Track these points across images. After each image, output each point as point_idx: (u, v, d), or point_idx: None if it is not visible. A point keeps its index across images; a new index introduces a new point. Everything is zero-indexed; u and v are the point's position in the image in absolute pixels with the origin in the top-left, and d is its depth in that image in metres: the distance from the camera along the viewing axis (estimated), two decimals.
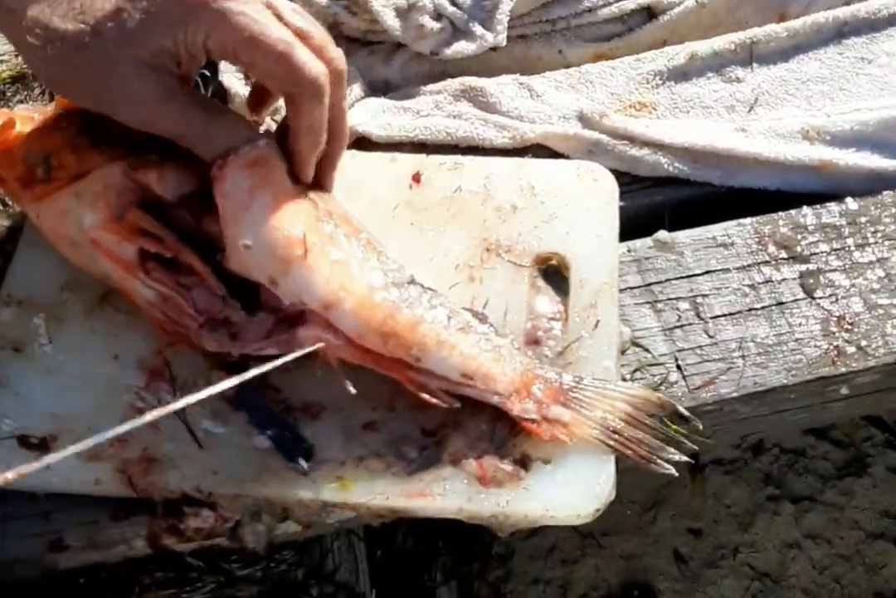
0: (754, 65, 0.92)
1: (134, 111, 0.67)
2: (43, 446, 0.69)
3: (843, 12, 0.93)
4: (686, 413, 0.70)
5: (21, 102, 0.93)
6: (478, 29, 0.93)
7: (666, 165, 0.87)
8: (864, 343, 0.77)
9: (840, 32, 0.93)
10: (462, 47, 0.93)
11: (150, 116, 0.67)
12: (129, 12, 0.63)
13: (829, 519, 1.37)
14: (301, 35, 0.66)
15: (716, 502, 1.38)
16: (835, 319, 0.78)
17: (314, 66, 0.66)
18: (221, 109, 0.71)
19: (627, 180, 0.86)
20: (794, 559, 1.35)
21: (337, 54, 0.68)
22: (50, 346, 0.74)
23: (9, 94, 0.93)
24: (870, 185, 0.85)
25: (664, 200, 0.87)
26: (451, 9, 0.93)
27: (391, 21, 0.92)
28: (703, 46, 0.93)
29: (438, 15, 0.94)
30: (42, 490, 0.70)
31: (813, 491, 1.39)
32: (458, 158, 0.84)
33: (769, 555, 1.35)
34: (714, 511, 1.38)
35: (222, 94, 0.92)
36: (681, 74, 0.92)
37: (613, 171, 0.82)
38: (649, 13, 0.98)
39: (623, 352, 0.76)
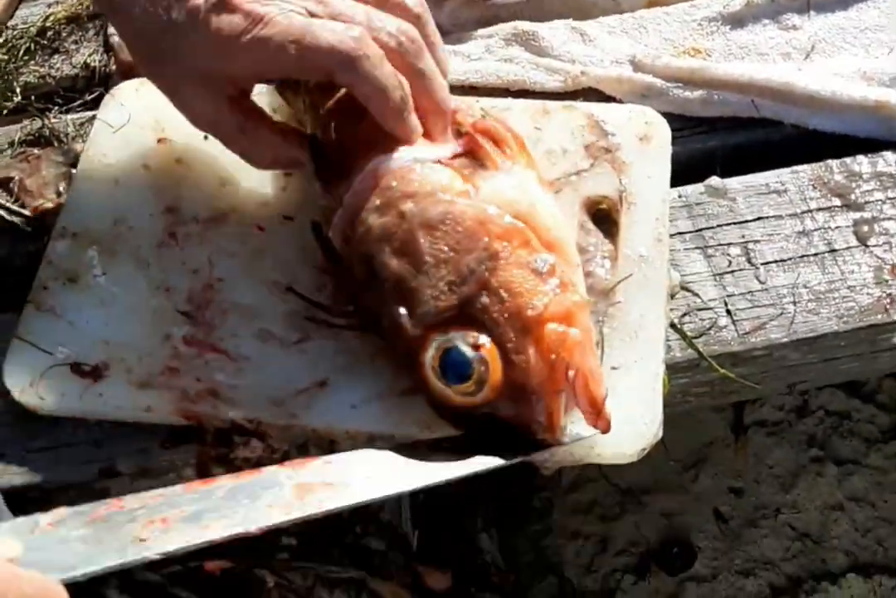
0: (811, 12, 0.91)
1: (190, 112, 0.72)
2: (95, 373, 0.70)
3: None
4: None
5: (76, 42, 0.93)
6: None
7: (719, 105, 0.86)
8: None
9: None
10: None
11: (204, 121, 0.73)
12: (178, 37, 0.67)
13: (873, 482, 1.36)
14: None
15: (758, 462, 1.38)
16: (888, 267, 0.77)
17: (330, 41, 0.65)
18: (269, 125, 0.74)
19: (680, 125, 0.85)
20: (836, 521, 1.34)
21: (398, 40, 0.67)
22: (103, 277, 0.75)
23: (63, 34, 0.94)
24: None
25: (717, 145, 0.86)
26: None
27: None
28: None
29: None
30: (94, 417, 0.71)
31: (857, 454, 1.38)
32: (509, 100, 0.83)
33: (811, 516, 1.34)
34: (756, 472, 1.37)
35: None
36: (736, 21, 0.91)
37: (666, 114, 0.81)
38: None
39: (672, 296, 0.76)
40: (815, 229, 0.79)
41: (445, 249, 0.64)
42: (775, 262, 0.78)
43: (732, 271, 0.77)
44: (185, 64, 0.68)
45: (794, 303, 0.76)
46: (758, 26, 0.91)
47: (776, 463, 1.38)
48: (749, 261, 0.78)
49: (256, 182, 0.79)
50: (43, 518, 0.52)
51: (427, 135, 0.70)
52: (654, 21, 0.92)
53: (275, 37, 0.64)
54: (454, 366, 0.61)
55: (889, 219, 0.79)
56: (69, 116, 0.89)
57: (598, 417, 0.61)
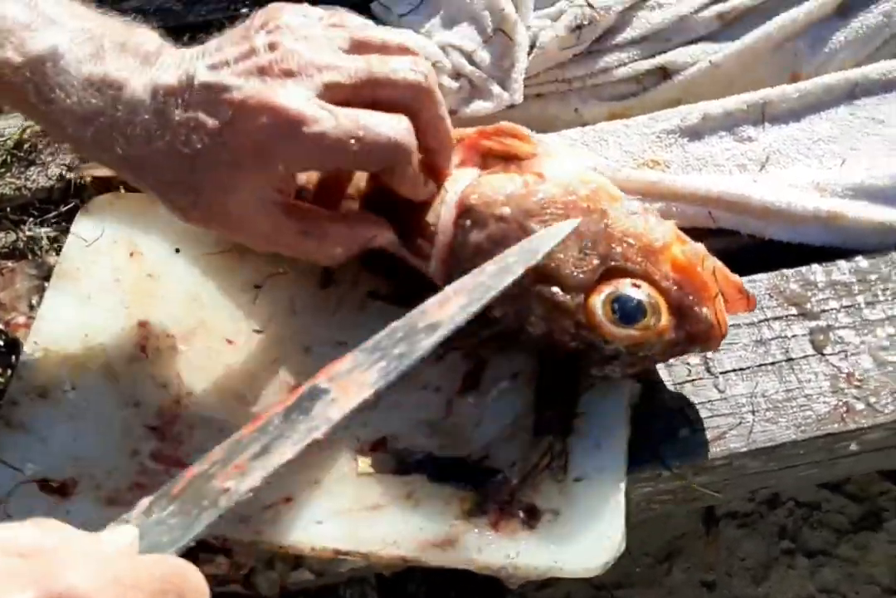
0: (766, 124, 0.94)
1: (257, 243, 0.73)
2: (63, 490, 0.71)
3: (854, 73, 0.95)
4: None
5: (51, 154, 0.95)
6: (495, 88, 0.95)
7: (678, 216, 0.88)
8: (872, 400, 0.77)
9: (852, 93, 0.95)
10: (480, 106, 0.96)
11: (271, 246, 0.72)
12: (210, 166, 0.66)
13: (845, 574, 1.37)
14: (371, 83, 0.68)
15: (730, 555, 1.38)
16: (844, 375, 0.79)
17: (390, 136, 0.67)
18: (329, 218, 0.73)
19: None
20: None
21: (411, 69, 0.69)
22: (73, 392, 0.76)
23: (40, 146, 0.96)
24: (881, 238, 0.86)
25: None
26: (469, 68, 0.96)
27: None
28: (715, 106, 0.94)
29: (457, 74, 0.96)
30: None
31: (828, 545, 1.39)
32: None
33: None
34: (728, 564, 1.37)
35: None
36: (693, 133, 0.94)
37: None
38: (663, 73, 1.01)
39: (633, 406, 0.77)
40: (773, 338, 0.81)
41: None
42: (734, 371, 0.79)
43: (692, 380, 0.79)
44: (227, 190, 0.67)
45: (753, 412, 0.77)
46: (714, 138, 0.94)
47: (747, 555, 1.38)
48: (708, 370, 0.79)
49: (226, 296, 0.81)
50: (130, 514, 0.53)
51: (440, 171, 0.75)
52: (615, 133, 0.94)
53: (329, 133, 0.65)
54: (630, 309, 0.68)
55: (844, 327, 0.81)
56: (43, 229, 0.91)
57: (747, 299, 0.72)
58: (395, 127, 0.67)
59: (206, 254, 0.83)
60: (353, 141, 0.65)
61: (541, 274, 0.69)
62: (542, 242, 0.69)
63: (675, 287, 0.69)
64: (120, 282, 0.82)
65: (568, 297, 0.69)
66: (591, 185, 0.73)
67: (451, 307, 0.66)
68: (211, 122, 0.65)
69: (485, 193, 0.73)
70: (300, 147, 0.65)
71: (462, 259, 0.72)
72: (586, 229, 0.70)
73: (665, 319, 0.69)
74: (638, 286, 0.69)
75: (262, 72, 0.65)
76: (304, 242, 0.70)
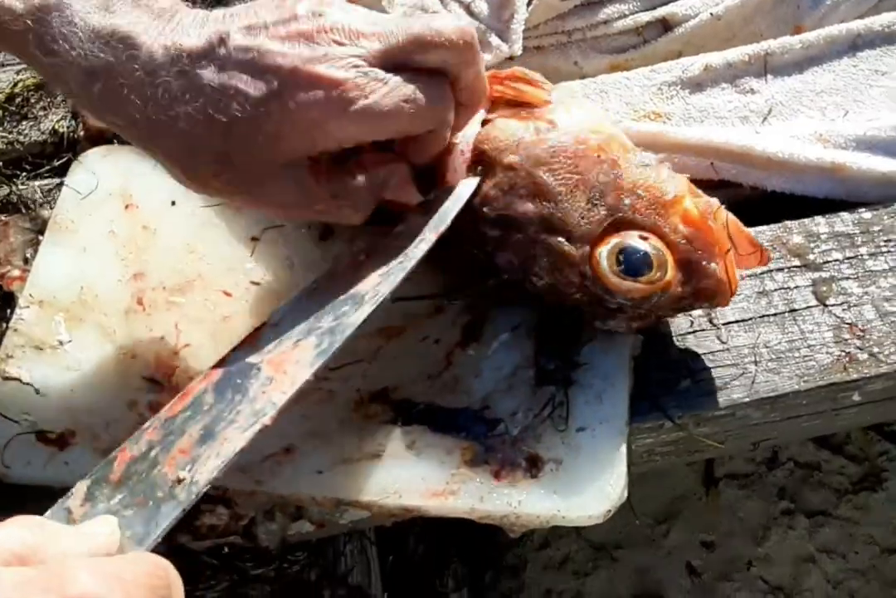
0: (768, 76, 0.93)
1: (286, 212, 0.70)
2: (60, 441, 0.70)
3: (856, 25, 0.94)
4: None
5: (44, 108, 0.94)
6: (494, 39, 0.94)
7: (679, 168, 0.86)
8: (875, 350, 0.77)
9: (854, 44, 0.94)
10: None
11: (300, 213, 0.70)
12: (250, 133, 0.62)
13: (844, 534, 1.37)
14: (412, 42, 0.64)
15: (730, 515, 1.38)
16: (847, 326, 0.78)
17: (437, 113, 0.66)
18: (351, 172, 0.69)
19: None
20: (807, 574, 1.34)
21: (451, 28, 0.65)
22: (69, 344, 0.75)
23: (32, 100, 0.95)
24: (883, 190, 0.85)
25: None
26: (468, 19, 0.95)
27: None
28: (717, 58, 0.93)
29: None
30: (60, 485, 0.71)
31: (827, 505, 1.39)
32: None
33: (783, 569, 1.34)
34: (728, 525, 1.38)
35: None
36: (695, 85, 0.93)
37: None
38: (664, 25, 0.99)
39: (635, 357, 0.76)
40: (775, 289, 0.80)
41: (569, 175, 0.69)
42: (736, 322, 0.79)
43: (695, 332, 0.78)
44: (262, 160, 0.63)
45: (756, 363, 0.77)
46: (716, 90, 0.93)
47: (747, 516, 1.38)
48: (710, 321, 0.79)
49: (223, 248, 0.80)
50: (70, 502, 0.53)
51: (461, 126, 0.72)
52: (615, 85, 0.93)
53: (384, 106, 0.62)
54: (635, 261, 0.67)
55: (847, 279, 0.81)
56: (37, 183, 0.90)
57: (760, 253, 0.71)
58: (444, 92, 0.66)
59: (203, 206, 0.82)
60: (405, 110, 0.63)
61: (547, 224, 0.69)
62: (448, 205, 0.69)
63: (683, 241, 0.68)
64: (115, 234, 0.82)
65: (573, 247, 0.68)
66: (602, 135, 0.72)
67: (371, 277, 0.66)
68: (254, 89, 0.60)
69: (495, 139, 0.72)
70: (355, 123, 0.62)
71: (472, 211, 0.71)
72: (595, 179, 0.69)
73: (671, 273, 0.68)
74: (645, 238, 0.68)
75: (307, 38, 0.61)
76: (335, 204, 0.68)
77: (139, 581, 0.44)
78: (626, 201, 0.69)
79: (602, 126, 0.74)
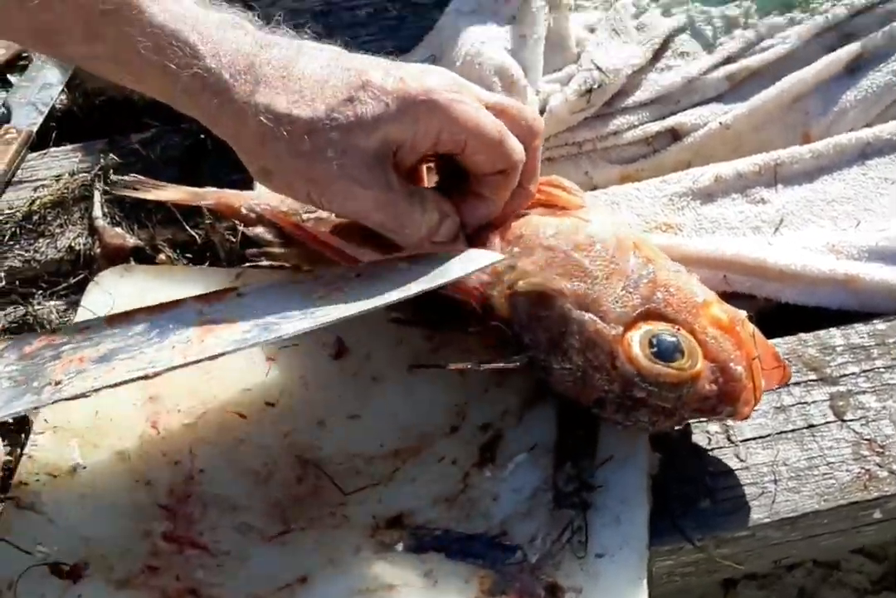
0: (779, 186, 0.94)
1: (350, 201, 0.70)
2: (74, 573, 0.70)
3: (865, 134, 0.95)
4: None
5: (61, 226, 0.95)
6: None
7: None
8: (895, 467, 0.76)
9: (863, 153, 0.95)
10: None
11: (366, 206, 0.70)
12: (361, 101, 0.67)
13: None
14: (498, 109, 0.73)
15: None
16: (865, 442, 0.78)
17: (519, 149, 0.72)
18: (429, 199, 0.73)
19: None
20: None
21: (532, 116, 0.76)
22: (84, 470, 0.75)
23: (49, 218, 0.96)
24: None
25: None
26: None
27: None
28: (727, 168, 0.94)
29: None
30: None
31: None
32: None
33: None
34: None
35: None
36: (706, 196, 0.94)
37: None
38: (673, 135, 1.01)
39: (653, 477, 0.76)
40: (793, 404, 0.80)
41: (606, 262, 0.72)
42: (754, 439, 0.78)
43: (712, 449, 0.78)
44: (351, 153, 0.68)
45: (775, 481, 0.76)
46: (727, 200, 0.93)
47: None
48: (729, 438, 0.78)
49: (239, 368, 0.80)
50: None
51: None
52: (626, 197, 0.94)
53: (483, 116, 0.70)
54: (668, 346, 0.68)
55: (864, 392, 0.80)
56: (52, 302, 0.90)
57: (783, 369, 0.72)
58: (521, 148, 0.73)
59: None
60: (496, 133, 0.71)
61: (581, 301, 0.70)
62: (455, 265, 0.70)
63: (712, 340, 0.69)
64: None
65: (608, 326, 0.69)
66: (636, 236, 0.76)
67: (335, 298, 0.69)
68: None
69: (535, 225, 0.75)
70: (455, 124, 0.69)
71: (507, 285, 0.73)
72: (631, 270, 0.71)
73: (701, 365, 0.68)
74: (677, 330, 0.69)
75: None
76: (410, 205, 0.70)
77: None
78: (659, 295, 0.71)
79: (633, 231, 0.78)
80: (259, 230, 0.86)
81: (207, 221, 0.93)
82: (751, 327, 0.72)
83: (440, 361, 0.78)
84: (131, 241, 0.93)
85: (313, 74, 0.69)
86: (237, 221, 0.88)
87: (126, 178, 0.94)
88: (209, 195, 0.90)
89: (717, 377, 0.68)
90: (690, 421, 0.77)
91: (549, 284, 0.71)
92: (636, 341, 0.68)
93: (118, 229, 0.94)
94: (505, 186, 0.74)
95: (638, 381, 0.68)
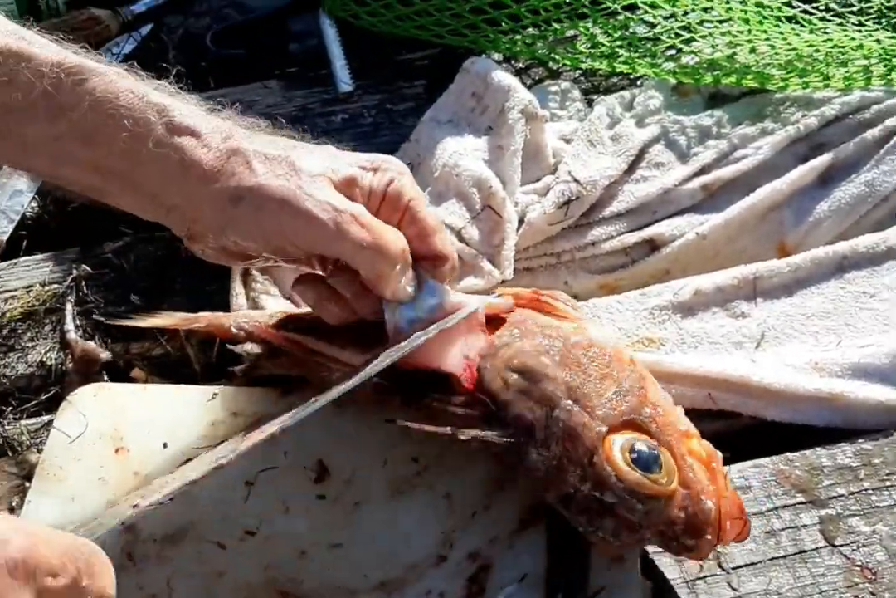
0: (758, 299, 0.94)
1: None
2: None
3: (841, 247, 0.96)
4: None
5: (31, 339, 0.93)
6: (486, 264, 0.95)
7: (677, 398, 0.86)
8: (888, 596, 0.75)
9: (840, 266, 0.95)
10: (471, 283, 0.95)
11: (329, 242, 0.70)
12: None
13: None
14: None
15: None
16: (857, 568, 0.76)
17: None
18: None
19: None
20: None
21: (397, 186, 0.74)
22: None
23: (20, 330, 0.94)
24: (880, 418, 0.85)
25: None
26: (459, 245, 0.95)
27: None
28: (706, 281, 0.94)
29: None
30: None
31: None
32: None
33: None
34: None
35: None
36: (686, 310, 0.93)
37: None
38: (651, 245, 1.01)
39: None
40: (783, 529, 0.79)
41: (601, 366, 0.72)
42: (746, 566, 0.77)
43: (704, 577, 0.76)
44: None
45: None
46: (707, 314, 0.93)
47: None
48: (720, 566, 0.77)
49: (217, 493, 0.78)
50: None
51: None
52: (607, 310, 0.94)
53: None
54: (648, 456, 0.67)
55: (854, 516, 0.79)
56: (24, 422, 0.88)
57: (745, 523, 0.68)
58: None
59: (195, 448, 0.80)
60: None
61: (572, 392, 0.69)
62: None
63: (689, 468, 0.68)
64: (105, 481, 0.79)
65: (594, 421, 0.68)
66: (632, 354, 0.75)
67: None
68: None
69: (537, 318, 0.76)
70: None
71: (503, 359, 0.72)
72: (624, 379, 0.71)
73: (675, 485, 0.67)
74: (658, 446, 0.68)
75: None
76: (360, 233, 0.69)
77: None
78: (647, 410, 0.70)
79: (627, 349, 0.77)
80: (248, 346, 0.85)
81: (182, 335, 0.91)
82: (725, 469, 0.71)
83: (426, 482, 0.77)
84: (104, 355, 0.91)
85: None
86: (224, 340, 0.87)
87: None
88: (201, 319, 0.89)
89: (688, 505, 0.67)
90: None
91: (543, 368, 0.71)
92: (618, 444, 0.67)
93: (91, 343, 0.91)
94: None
95: (612, 482, 0.67)
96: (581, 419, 0.68)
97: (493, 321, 0.77)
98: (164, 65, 1.14)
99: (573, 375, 0.70)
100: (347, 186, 0.72)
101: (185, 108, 0.70)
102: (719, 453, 0.71)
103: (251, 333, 0.84)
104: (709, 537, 0.67)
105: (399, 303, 0.74)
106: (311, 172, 0.70)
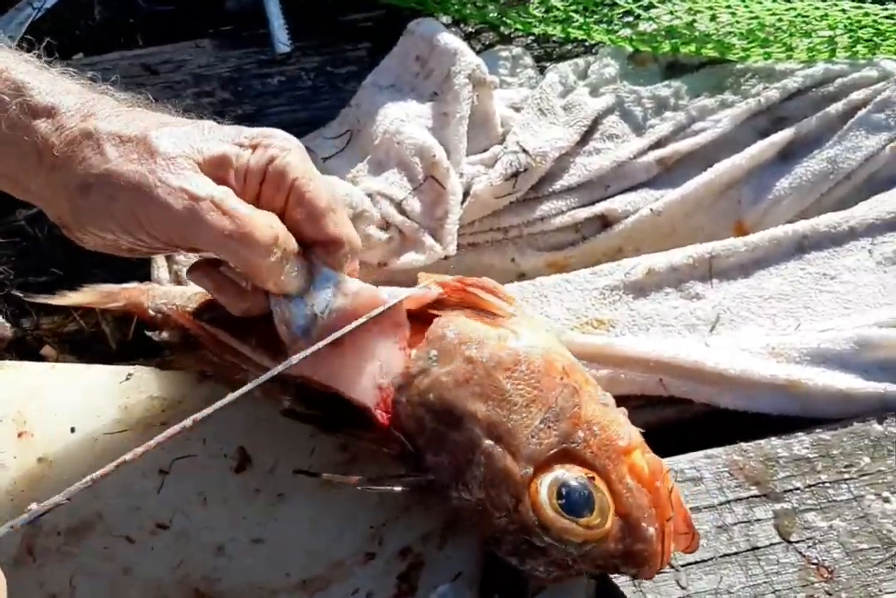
0: (714, 280, 0.89)
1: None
2: None
3: (802, 226, 0.91)
4: None
5: None
6: (427, 239, 0.89)
7: (627, 384, 0.82)
8: (844, 595, 0.71)
9: (800, 246, 0.90)
10: (411, 258, 0.89)
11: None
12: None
13: None
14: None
15: None
16: (813, 566, 0.72)
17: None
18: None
19: None
20: None
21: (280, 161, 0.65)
22: None
23: None
24: (840, 407, 0.81)
25: None
26: (399, 218, 0.89)
27: None
28: (660, 261, 0.89)
29: (386, 224, 0.90)
30: None
31: None
32: None
33: None
34: None
35: None
36: (638, 290, 0.88)
37: None
38: (603, 222, 0.95)
39: None
40: (735, 523, 0.74)
41: (529, 388, 0.64)
42: (696, 563, 0.72)
43: None
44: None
45: None
46: (660, 295, 0.88)
47: None
48: (668, 563, 0.72)
49: (128, 483, 0.72)
50: None
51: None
52: (556, 289, 0.88)
53: None
54: (578, 499, 0.61)
55: (810, 510, 0.75)
56: None
57: (693, 536, 0.64)
58: None
59: (106, 433, 0.74)
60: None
61: (494, 430, 0.62)
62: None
63: (627, 494, 0.62)
64: (6, 468, 0.73)
65: (518, 465, 0.61)
66: (567, 360, 0.68)
67: None
68: None
69: (458, 328, 0.67)
70: None
71: (418, 392, 0.65)
72: (554, 400, 0.64)
73: (610, 524, 0.61)
74: (592, 479, 0.62)
75: None
76: (219, 222, 0.61)
77: None
78: (580, 434, 0.63)
79: (566, 352, 0.69)
80: (164, 335, 0.78)
81: (98, 311, 0.84)
82: (671, 481, 0.65)
83: (356, 473, 0.71)
84: (10, 332, 0.84)
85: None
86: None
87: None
88: (120, 295, 0.83)
89: (626, 537, 0.62)
90: None
91: (462, 404, 0.63)
92: (545, 488, 0.61)
93: None
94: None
95: (539, 532, 0.61)
96: (504, 462, 0.62)
97: (418, 319, 0.70)
98: (87, 22, 1.08)
99: (495, 408, 0.63)
100: (217, 167, 0.64)
101: (48, 85, 0.64)
102: (665, 465, 0.66)
103: (168, 316, 0.77)
104: (651, 564, 0.62)
105: (287, 297, 0.66)
106: (170, 154, 0.62)
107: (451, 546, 0.70)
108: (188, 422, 0.58)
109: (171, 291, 0.81)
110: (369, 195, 0.91)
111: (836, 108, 0.99)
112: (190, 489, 0.72)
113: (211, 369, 0.76)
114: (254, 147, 0.65)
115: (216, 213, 0.61)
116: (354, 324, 0.65)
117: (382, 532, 0.70)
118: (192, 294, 0.79)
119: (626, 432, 0.65)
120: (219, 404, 0.59)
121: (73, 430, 0.74)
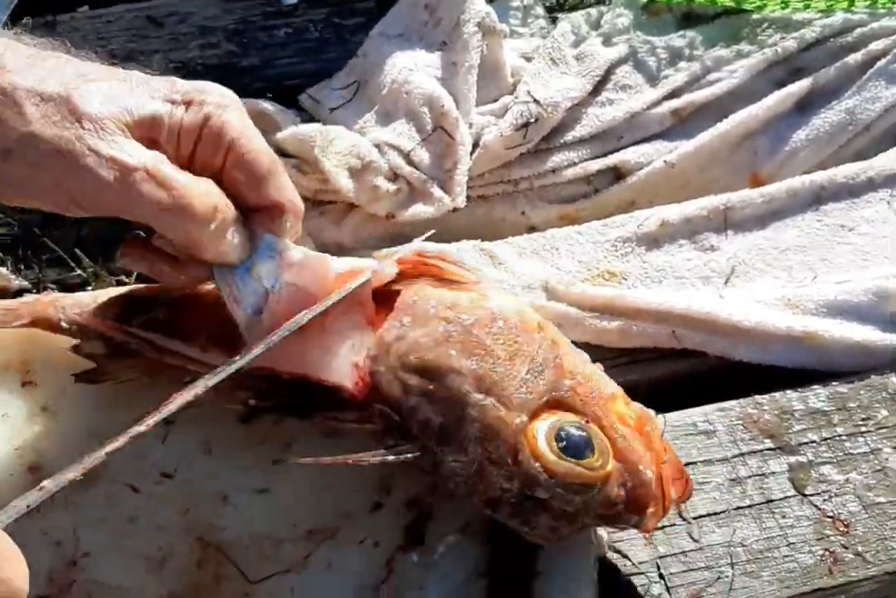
0: (729, 232, 0.87)
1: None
2: None
3: (819, 177, 0.89)
4: None
5: None
6: (436, 190, 0.87)
7: (639, 336, 0.80)
8: (861, 548, 0.69)
9: (818, 197, 0.89)
10: (420, 210, 0.87)
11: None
12: None
13: None
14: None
15: None
16: (829, 520, 0.71)
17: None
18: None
19: (598, 356, 0.77)
20: None
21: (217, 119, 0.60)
22: None
23: None
24: (857, 359, 0.79)
25: (638, 378, 0.80)
26: (408, 169, 0.88)
27: (344, 181, 0.86)
28: (673, 212, 0.87)
29: (395, 175, 0.88)
30: None
31: None
32: None
33: None
34: None
35: None
36: (651, 241, 0.87)
37: (583, 345, 0.75)
38: (616, 174, 0.94)
39: (599, 560, 0.68)
40: (748, 476, 0.73)
41: (509, 342, 0.63)
42: (709, 516, 0.71)
43: (663, 527, 0.70)
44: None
45: (732, 565, 0.69)
46: (674, 247, 0.86)
47: None
48: (680, 515, 0.71)
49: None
50: None
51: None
52: (567, 241, 0.87)
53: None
54: (578, 440, 0.60)
55: (825, 463, 0.74)
56: None
57: (686, 482, 0.63)
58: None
59: (112, 382, 0.73)
60: None
61: (481, 383, 0.60)
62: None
63: (622, 439, 0.61)
64: (8, 417, 0.72)
65: (512, 413, 0.60)
66: (539, 317, 0.66)
67: None
68: None
69: (428, 295, 0.65)
70: None
71: (397, 357, 0.63)
72: (536, 352, 0.62)
73: (612, 465, 0.60)
74: (586, 423, 0.60)
75: None
76: (155, 194, 0.57)
77: None
78: (567, 382, 0.62)
79: (534, 312, 0.67)
80: (88, 348, 0.72)
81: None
82: (659, 428, 0.64)
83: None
84: (16, 283, 0.83)
85: None
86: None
87: None
88: (21, 311, 0.74)
89: (626, 481, 0.60)
90: None
91: (445, 362, 0.61)
92: (542, 434, 0.59)
93: (2, 270, 0.83)
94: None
95: (542, 480, 0.59)
96: (497, 413, 0.60)
97: (376, 298, 0.67)
98: None
99: (479, 361, 0.61)
100: (148, 129, 0.59)
101: None
102: (651, 412, 0.65)
103: (86, 326, 0.72)
104: (653, 509, 0.61)
105: (230, 268, 0.62)
106: (97, 116, 0.56)
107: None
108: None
109: (79, 297, 0.75)
110: (377, 146, 0.89)
111: (854, 58, 0.97)
112: (195, 439, 0.71)
113: (150, 376, 0.72)
114: (187, 104, 0.60)
115: (151, 184, 0.56)
116: (319, 309, 0.62)
117: (390, 482, 0.69)
118: (104, 297, 0.73)
119: (606, 382, 0.64)
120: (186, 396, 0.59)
121: (75, 380, 0.73)
